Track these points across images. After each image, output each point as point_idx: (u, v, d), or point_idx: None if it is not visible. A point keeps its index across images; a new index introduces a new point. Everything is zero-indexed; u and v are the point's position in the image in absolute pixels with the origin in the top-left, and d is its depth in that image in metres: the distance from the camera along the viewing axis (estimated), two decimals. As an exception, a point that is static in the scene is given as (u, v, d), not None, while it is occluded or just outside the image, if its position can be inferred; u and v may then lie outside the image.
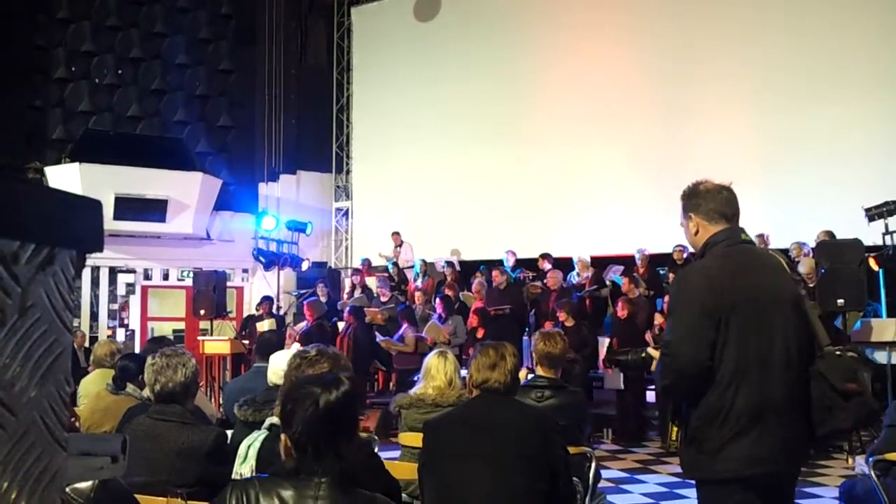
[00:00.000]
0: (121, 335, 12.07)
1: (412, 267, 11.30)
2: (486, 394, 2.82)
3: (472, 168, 12.35)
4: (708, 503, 2.45)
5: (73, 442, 1.40)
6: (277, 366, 3.38)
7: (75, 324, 11.29)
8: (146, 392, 3.35)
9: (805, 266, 7.91)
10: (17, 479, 1.09)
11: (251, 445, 2.75)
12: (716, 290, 2.39)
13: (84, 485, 1.87)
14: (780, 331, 2.40)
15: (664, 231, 10.30)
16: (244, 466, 2.76)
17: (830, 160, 9.84)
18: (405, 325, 9.06)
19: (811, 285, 7.47)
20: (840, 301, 6.80)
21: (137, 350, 9.95)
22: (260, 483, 1.76)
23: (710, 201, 2.54)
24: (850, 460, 6.40)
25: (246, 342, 9.76)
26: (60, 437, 1.24)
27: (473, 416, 2.77)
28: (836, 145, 9.84)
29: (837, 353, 2.44)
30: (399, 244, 12.00)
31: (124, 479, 2.48)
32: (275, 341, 5.34)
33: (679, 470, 6.52)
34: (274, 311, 10.77)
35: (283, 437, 1.80)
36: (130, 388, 4.00)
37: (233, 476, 2.78)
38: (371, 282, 11.13)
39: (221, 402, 5.47)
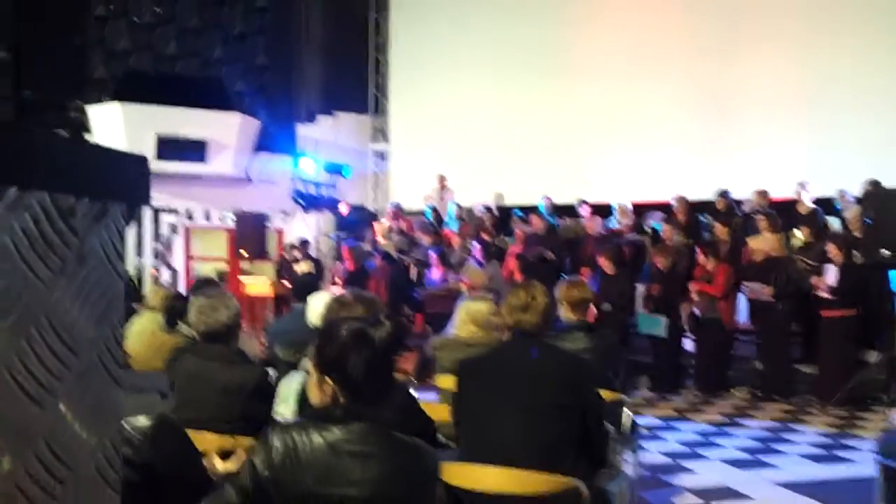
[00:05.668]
0: (165, 275, 12.37)
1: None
2: (519, 336, 2.82)
3: (512, 108, 12.12)
4: None
5: (127, 379, 1.48)
6: (316, 308, 3.46)
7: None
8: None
9: (850, 213, 7.73)
10: (80, 412, 1.18)
11: (291, 387, 2.84)
12: None
13: (142, 422, 1.96)
14: None
15: (706, 176, 10.12)
16: (283, 406, 2.85)
17: (879, 103, 9.49)
18: (435, 269, 9.07)
19: (857, 234, 7.31)
20: (886, 252, 6.65)
21: (182, 289, 10.21)
22: (304, 425, 1.74)
23: None
24: (888, 413, 6.36)
25: (286, 282, 9.92)
26: (117, 374, 1.32)
27: (507, 361, 2.77)
28: (885, 88, 9.48)
29: None
30: (443, 187, 11.97)
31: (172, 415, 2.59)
32: (313, 283, 5.43)
33: (716, 418, 6.55)
34: (311, 253, 10.90)
35: (315, 378, 1.79)
36: (184, 328, 4.00)
37: (272, 414, 2.86)
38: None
39: (264, 342, 5.62)
